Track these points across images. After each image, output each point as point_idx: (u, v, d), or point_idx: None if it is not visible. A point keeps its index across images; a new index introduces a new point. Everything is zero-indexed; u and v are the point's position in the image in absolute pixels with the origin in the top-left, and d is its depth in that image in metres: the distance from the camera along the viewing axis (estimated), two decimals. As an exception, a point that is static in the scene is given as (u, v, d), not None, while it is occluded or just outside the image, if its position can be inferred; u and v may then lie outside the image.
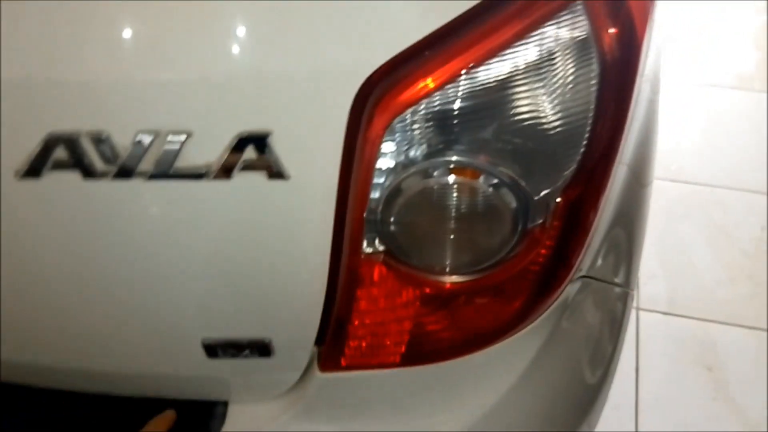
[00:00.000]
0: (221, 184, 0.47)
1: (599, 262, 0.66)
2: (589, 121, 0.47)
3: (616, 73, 0.47)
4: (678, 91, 2.24)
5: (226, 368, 0.62)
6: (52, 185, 0.47)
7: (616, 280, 0.73)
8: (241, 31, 0.44)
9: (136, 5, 0.44)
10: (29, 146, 0.45)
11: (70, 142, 0.45)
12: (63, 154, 0.45)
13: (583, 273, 0.64)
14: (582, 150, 0.48)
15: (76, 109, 0.45)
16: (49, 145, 0.45)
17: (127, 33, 0.44)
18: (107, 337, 0.60)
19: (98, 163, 0.46)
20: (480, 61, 0.45)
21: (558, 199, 0.50)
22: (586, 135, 0.48)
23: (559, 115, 0.47)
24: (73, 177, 0.46)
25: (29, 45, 0.44)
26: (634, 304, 1.63)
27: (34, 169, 0.46)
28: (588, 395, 0.73)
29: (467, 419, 0.65)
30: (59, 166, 0.46)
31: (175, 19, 0.44)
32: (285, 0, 0.44)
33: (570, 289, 0.63)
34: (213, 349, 0.60)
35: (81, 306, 0.56)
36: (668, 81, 2.27)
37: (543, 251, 0.53)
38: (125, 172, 0.46)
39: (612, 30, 0.46)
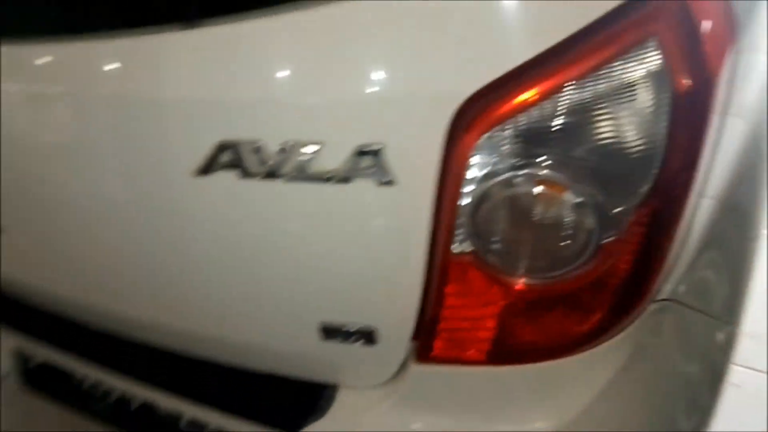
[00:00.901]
0: (342, 188, 0.58)
1: (686, 288, 0.68)
2: (662, 146, 0.52)
3: (687, 104, 0.52)
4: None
5: (337, 352, 0.71)
6: (217, 182, 0.61)
7: (710, 311, 0.74)
8: (365, 60, 0.55)
9: (283, 43, 0.57)
10: (203, 151, 0.60)
11: (235, 148, 0.58)
12: (228, 157, 0.59)
13: (666, 296, 0.66)
14: (655, 171, 0.53)
15: (239, 122, 0.58)
16: (219, 150, 0.59)
17: (278, 63, 0.57)
18: (248, 312, 0.72)
19: (253, 166, 0.59)
20: (562, 88, 0.52)
21: (632, 217, 0.56)
22: (659, 158, 0.53)
23: (634, 137, 0.53)
24: (233, 175, 0.60)
25: (204, 71, 0.59)
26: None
27: (206, 169, 0.60)
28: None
29: (554, 424, 0.69)
30: (224, 166, 0.60)
31: (314, 51, 0.56)
32: (399, 34, 0.54)
33: (653, 310, 0.66)
34: (328, 332, 0.70)
35: (230, 281, 0.70)
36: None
37: (620, 266, 0.58)
38: (272, 173, 0.59)
39: (684, 64, 0.51)
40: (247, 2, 0.56)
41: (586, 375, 0.68)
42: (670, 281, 0.65)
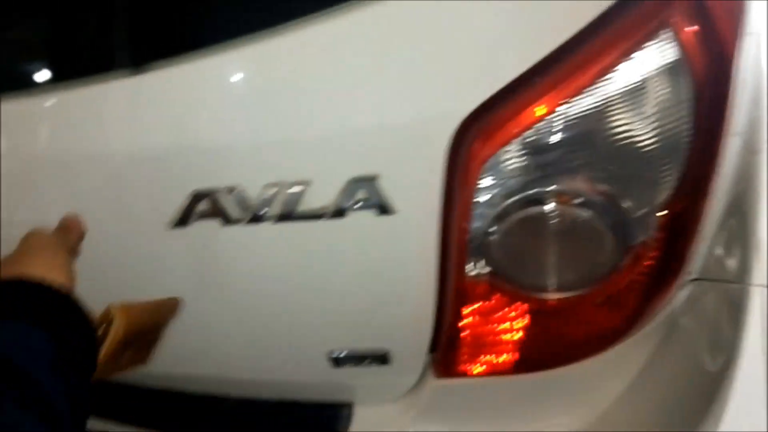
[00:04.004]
0: (336, 222, 0.53)
1: (712, 262, 0.66)
2: (687, 139, 0.48)
3: (710, 90, 0.48)
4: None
5: (350, 375, 0.68)
6: (197, 232, 0.55)
7: (732, 278, 0.71)
8: (348, 91, 0.50)
9: (257, 84, 0.51)
10: (178, 202, 0.54)
11: (211, 196, 0.53)
12: (205, 206, 0.53)
13: (693, 276, 0.63)
14: (680, 167, 0.49)
15: (214, 169, 0.52)
16: (194, 200, 0.53)
17: (254, 100, 0.51)
18: (250, 350, 0.68)
19: (234, 212, 0.53)
20: (572, 95, 0.47)
21: (659, 214, 0.52)
22: (685, 152, 0.49)
23: (653, 136, 0.48)
24: (214, 224, 0.55)
25: (170, 121, 0.53)
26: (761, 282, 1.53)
27: (183, 220, 0.55)
28: (711, 389, 0.72)
29: (581, 423, 0.67)
30: (203, 216, 0.54)
31: (293, 85, 0.50)
32: (381, 57, 0.49)
33: (681, 295, 0.63)
34: (337, 361, 0.66)
35: (230, 326, 0.65)
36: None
37: (648, 263, 0.54)
38: (257, 217, 0.53)
39: (702, 50, 0.46)
40: (203, 38, 0.49)
41: (615, 369, 0.65)
42: (698, 261, 0.62)
